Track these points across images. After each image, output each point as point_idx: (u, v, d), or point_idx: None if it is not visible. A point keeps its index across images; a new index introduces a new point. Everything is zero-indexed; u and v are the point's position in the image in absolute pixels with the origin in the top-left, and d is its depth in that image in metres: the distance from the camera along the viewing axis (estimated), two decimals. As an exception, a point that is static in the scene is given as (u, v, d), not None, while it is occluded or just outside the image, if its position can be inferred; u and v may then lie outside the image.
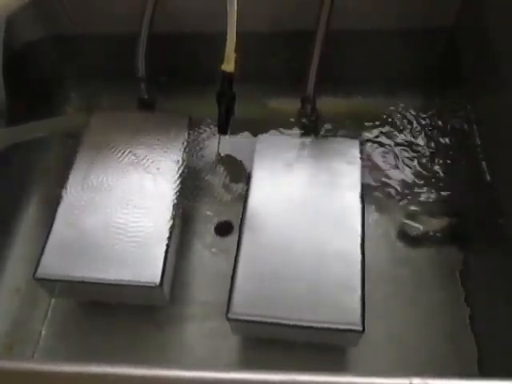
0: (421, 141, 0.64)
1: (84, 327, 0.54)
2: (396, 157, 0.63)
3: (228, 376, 0.29)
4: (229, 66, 0.49)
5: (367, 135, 0.64)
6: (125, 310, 0.54)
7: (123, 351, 0.52)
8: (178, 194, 0.53)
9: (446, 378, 0.29)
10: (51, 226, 0.51)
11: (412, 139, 0.64)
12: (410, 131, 0.65)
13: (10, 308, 0.56)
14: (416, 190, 0.60)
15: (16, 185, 0.64)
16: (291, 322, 0.45)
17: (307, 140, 0.57)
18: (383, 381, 0.29)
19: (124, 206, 0.52)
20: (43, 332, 0.54)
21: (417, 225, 0.57)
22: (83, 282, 0.49)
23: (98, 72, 0.68)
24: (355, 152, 0.55)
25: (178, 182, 0.54)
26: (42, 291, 0.52)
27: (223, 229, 0.59)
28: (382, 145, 0.64)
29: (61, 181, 0.56)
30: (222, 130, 0.56)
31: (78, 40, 0.66)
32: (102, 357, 0.52)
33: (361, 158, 0.55)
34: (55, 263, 0.49)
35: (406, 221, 0.58)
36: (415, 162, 0.62)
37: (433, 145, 0.63)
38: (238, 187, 0.61)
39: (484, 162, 0.54)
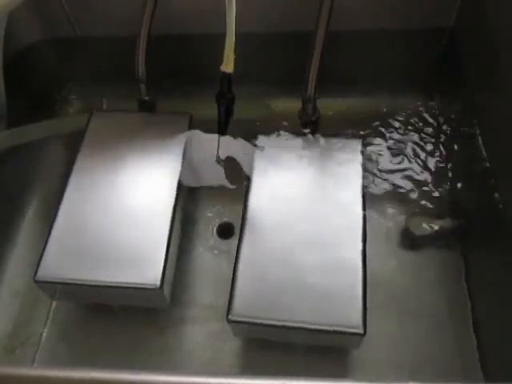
0: (421, 141, 0.64)
1: (85, 329, 0.54)
2: (397, 157, 0.62)
3: (227, 381, 0.29)
4: (228, 66, 0.49)
5: (368, 135, 0.64)
6: (126, 312, 0.54)
7: (124, 353, 0.52)
8: (178, 195, 0.53)
9: (442, 383, 0.29)
10: (51, 227, 0.51)
11: (412, 139, 0.64)
12: (410, 131, 0.64)
13: (11, 311, 0.56)
14: (418, 190, 0.60)
15: (16, 185, 0.64)
16: (292, 325, 0.45)
17: (308, 140, 0.57)
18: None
19: (124, 207, 0.52)
20: (44, 334, 0.54)
21: (419, 226, 0.57)
22: (83, 285, 0.49)
23: (98, 73, 0.68)
24: (357, 152, 0.55)
25: (179, 183, 0.54)
26: (43, 294, 0.52)
27: (224, 231, 0.59)
28: (382, 145, 0.64)
29: (61, 182, 0.56)
30: (222, 131, 0.56)
31: (78, 41, 0.66)
32: (102, 359, 0.52)
33: (362, 159, 0.55)
34: (55, 266, 0.49)
35: (408, 222, 0.58)
36: (416, 163, 0.62)
37: (433, 145, 0.63)
38: (239, 188, 0.61)
39: (486, 162, 0.53)
